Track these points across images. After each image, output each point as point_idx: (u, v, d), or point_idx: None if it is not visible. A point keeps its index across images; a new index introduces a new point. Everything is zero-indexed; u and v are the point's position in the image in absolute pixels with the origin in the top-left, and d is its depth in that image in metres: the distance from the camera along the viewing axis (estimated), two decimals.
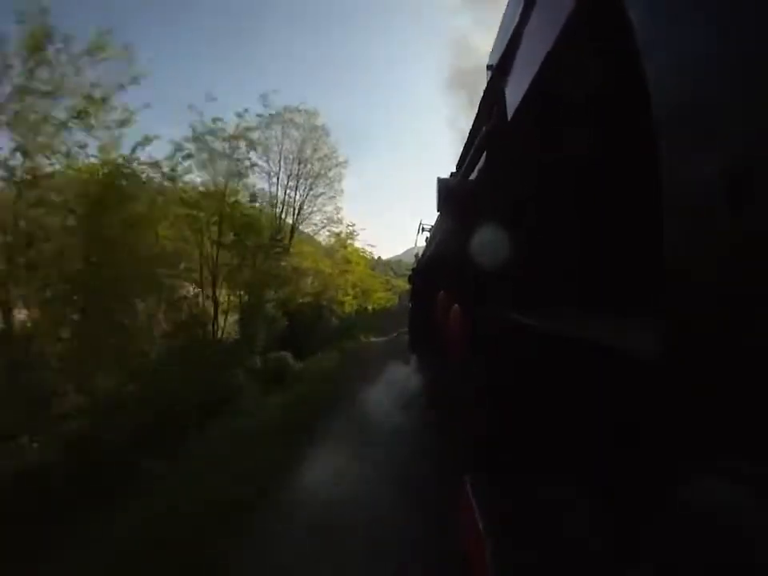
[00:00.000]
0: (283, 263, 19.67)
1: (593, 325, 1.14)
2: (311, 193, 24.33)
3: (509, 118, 1.59)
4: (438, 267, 5.20)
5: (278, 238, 20.69)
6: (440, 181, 3.42)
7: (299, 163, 23.82)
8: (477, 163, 2.43)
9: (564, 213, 1.58)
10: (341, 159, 24.84)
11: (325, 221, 25.21)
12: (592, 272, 1.44)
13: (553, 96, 1.31)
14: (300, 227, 24.61)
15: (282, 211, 23.42)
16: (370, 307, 30.97)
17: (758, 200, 0.49)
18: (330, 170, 24.42)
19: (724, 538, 0.56)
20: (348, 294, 26.22)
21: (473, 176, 2.56)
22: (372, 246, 28.97)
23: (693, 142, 0.60)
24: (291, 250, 21.22)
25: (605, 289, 1.34)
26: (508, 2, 1.66)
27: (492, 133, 1.94)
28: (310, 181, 24.18)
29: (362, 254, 27.00)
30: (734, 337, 0.54)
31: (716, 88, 0.55)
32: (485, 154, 2.21)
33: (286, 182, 23.75)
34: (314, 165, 24.04)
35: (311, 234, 25.68)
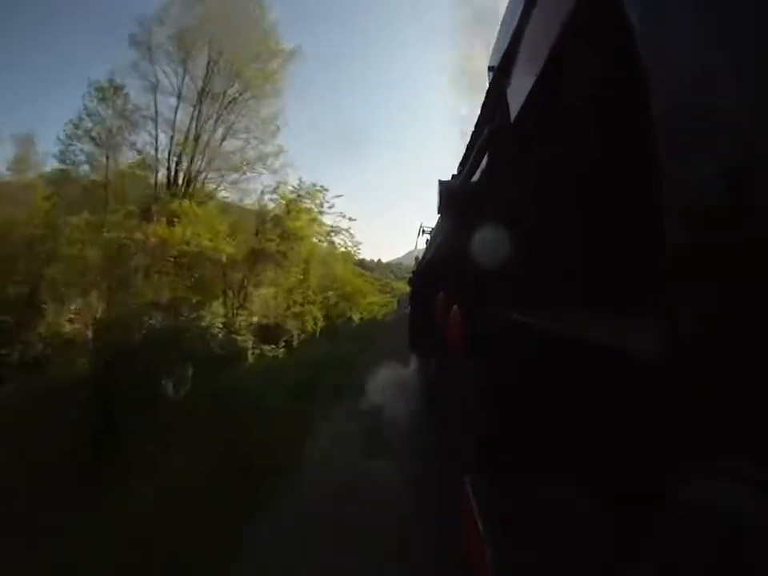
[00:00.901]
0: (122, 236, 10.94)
1: (593, 325, 1.14)
2: (226, 112, 13.67)
3: (511, 120, 1.59)
4: (438, 268, 5.20)
5: (157, 195, 12.95)
6: (441, 183, 3.43)
7: (209, 63, 13.32)
8: (479, 165, 2.43)
9: (565, 213, 1.58)
10: (282, 47, 14.44)
11: (247, 165, 14.42)
12: (592, 272, 1.44)
13: (554, 96, 1.31)
14: (206, 177, 14.20)
15: (171, 150, 13.27)
16: (356, 317, 21.00)
17: (758, 200, 0.49)
18: (261, 75, 13.69)
19: (724, 538, 0.56)
20: (311, 301, 15.88)
21: (474, 177, 2.56)
22: (351, 219, 15.94)
23: (693, 142, 0.60)
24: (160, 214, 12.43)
25: (605, 289, 1.34)
26: (509, 3, 1.66)
27: (494, 134, 1.95)
28: (225, 89, 13.65)
29: (330, 232, 15.64)
30: (734, 337, 0.54)
31: (716, 88, 0.55)
32: (487, 155, 2.21)
33: (196, 101, 13.43)
34: (230, 60, 13.30)
35: (233, 191, 14.81)
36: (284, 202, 14.32)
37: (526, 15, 1.34)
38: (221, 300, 13.01)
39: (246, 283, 13.54)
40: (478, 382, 2.13)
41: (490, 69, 1.91)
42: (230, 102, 14.30)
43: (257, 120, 14.72)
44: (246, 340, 12.48)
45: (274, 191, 14.33)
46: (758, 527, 0.51)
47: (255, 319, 13.72)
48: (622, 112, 1.14)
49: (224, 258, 12.60)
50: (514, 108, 1.54)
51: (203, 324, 11.70)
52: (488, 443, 1.77)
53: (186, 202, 13.10)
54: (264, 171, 14.91)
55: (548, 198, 1.62)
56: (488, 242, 2.01)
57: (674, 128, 0.64)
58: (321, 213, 15.15)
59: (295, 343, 14.92)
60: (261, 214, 14.39)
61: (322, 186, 14.72)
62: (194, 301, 12.07)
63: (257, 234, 13.93)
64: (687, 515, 0.65)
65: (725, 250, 0.55)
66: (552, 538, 1.15)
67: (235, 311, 13.09)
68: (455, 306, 2.89)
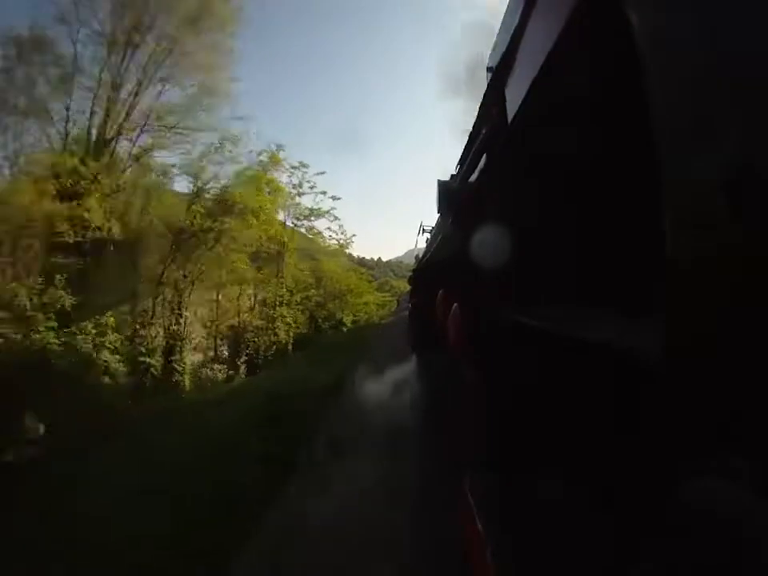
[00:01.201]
0: None
1: (593, 325, 1.14)
2: (161, 57, 9.47)
3: (509, 120, 1.59)
4: (438, 267, 5.21)
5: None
6: (440, 183, 3.43)
7: None
8: (477, 165, 2.43)
9: (564, 213, 1.58)
10: None
11: (185, 118, 9.60)
12: (593, 272, 1.44)
13: (553, 97, 1.31)
14: (136, 137, 9.88)
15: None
16: (348, 319, 16.50)
17: (759, 199, 0.49)
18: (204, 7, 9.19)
19: (724, 538, 0.56)
20: (285, 302, 11.52)
21: (473, 177, 2.56)
22: (335, 197, 13.47)
23: (693, 142, 0.60)
24: None
25: (605, 289, 1.34)
26: (508, 3, 1.66)
27: (492, 134, 1.95)
28: (163, 25, 9.51)
29: (310, 215, 11.38)
30: (735, 337, 0.54)
31: (716, 88, 0.55)
32: (485, 155, 2.21)
33: (124, 46, 9.39)
34: None
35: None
36: (234, 168, 9.35)
37: (525, 15, 1.34)
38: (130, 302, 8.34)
39: (167, 277, 8.49)
40: (478, 382, 2.13)
41: (489, 69, 1.91)
42: (165, 37, 10.24)
43: (201, 65, 10.44)
44: (180, 359, 8.19)
45: (218, 150, 9.57)
46: (758, 527, 0.51)
47: (203, 332, 8.86)
48: (621, 112, 1.14)
49: (68, 234, 7.76)
50: (513, 108, 1.54)
51: (76, 344, 6.67)
52: (488, 443, 1.77)
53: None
54: (208, 127, 10.29)
55: (547, 197, 1.62)
56: (487, 242, 2.01)
57: (674, 128, 0.64)
58: (300, 193, 11.16)
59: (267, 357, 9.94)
60: (196, 181, 9.17)
61: (301, 163, 10.50)
62: (66, 305, 7.43)
63: (189, 208, 9.21)
64: (687, 515, 0.65)
65: (725, 250, 0.55)
66: (552, 537, 1.15)
67: (149, 320, 8.26)
68: (455, 305, 2.89)
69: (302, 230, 13.37)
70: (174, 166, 10.59)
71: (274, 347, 11.05)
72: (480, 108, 2.25)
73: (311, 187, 12.66)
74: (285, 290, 11.97)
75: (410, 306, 11.45)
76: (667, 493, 0.71)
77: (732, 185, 0.52)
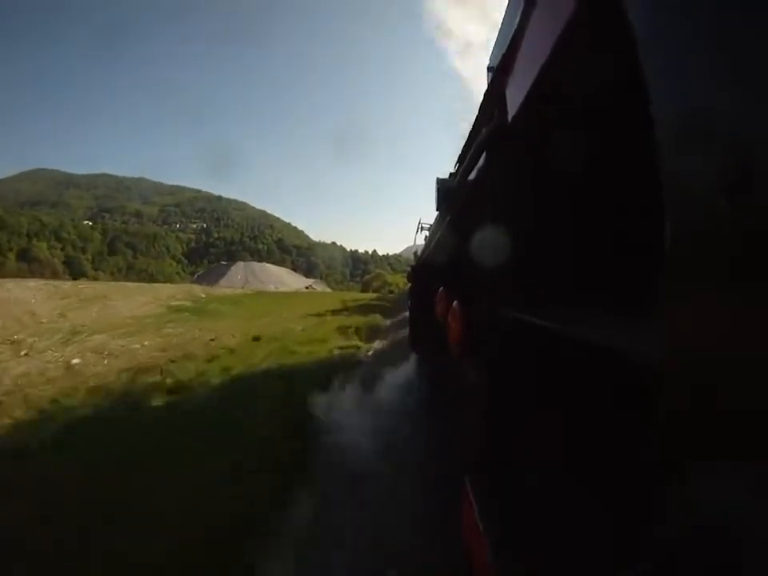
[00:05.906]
0: None
1: (593, 324, 1.14)
2: None
3: (509, 120, 1.59)
4: (437, 266, 5.21)
5: None
6: (439, 181, 3.43)
7: None
8: (476, 163, 2.42)
9: (564, 213, 1.58)
10: None
11: None
12: (592, 272, 1.44)
13: (553, 97, 1.31)
14: None
15: None
16: None
17: (758, 200, 0.49)
18: None
19: (724, 538, 0.56)
20: None
21: (472, 176, 2.56)
22: None
23: (693, 143, 0.60)
24: None
25: (605, 289, 1.34)
26: (508, 3, 1.65)
27: (492, 134, 1.94)
28: None
29: None
30: (734, 337, 0.54)
31: (717, 88, 0.55)
32: (484, 154, 2.20)
33: None
34: None
35: None
36: None
37: (525, 15, 1.33)
38: None
39: None
40: (478, 381, 2.13)
41: (489, 69, 1.91)
42: None
43: None
44: None
45: None
46: (758, 527, 0.51)
47: None
48: (621, 113, 1.14)
49: None
50: (513, 108, 1.54)
51: None
52: (488, 443, 1.77)
53: None
54: None
55: (547, 197, 1.62)
56: (486, 240, 2.01)
57: (673, 129, 0.64)
58: None
59: None
60: None
61: None
62: None
63: None
64: (687, 515, 0.65)
65: (725, 250, 0.55)
66: (552, 537, 1.15)
67: None
68: (455, 303, 2.90)
69: None
70: None
71: None
72: (480, 107, 2.24)
73: None
74: None
75: (409, 303, 11.61)
76: (666, 493, 0.71)
77: (732, 185, 0.52)
